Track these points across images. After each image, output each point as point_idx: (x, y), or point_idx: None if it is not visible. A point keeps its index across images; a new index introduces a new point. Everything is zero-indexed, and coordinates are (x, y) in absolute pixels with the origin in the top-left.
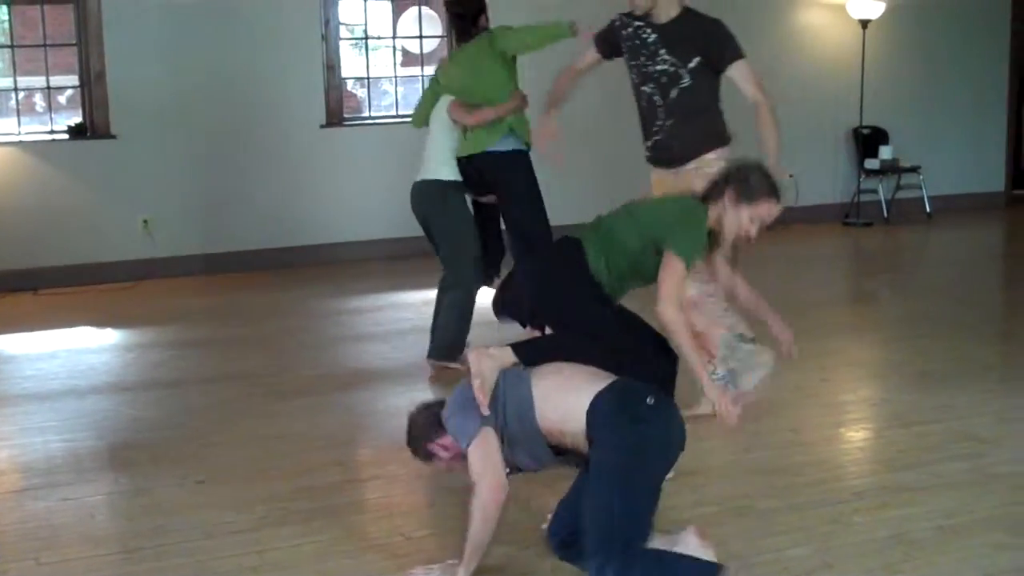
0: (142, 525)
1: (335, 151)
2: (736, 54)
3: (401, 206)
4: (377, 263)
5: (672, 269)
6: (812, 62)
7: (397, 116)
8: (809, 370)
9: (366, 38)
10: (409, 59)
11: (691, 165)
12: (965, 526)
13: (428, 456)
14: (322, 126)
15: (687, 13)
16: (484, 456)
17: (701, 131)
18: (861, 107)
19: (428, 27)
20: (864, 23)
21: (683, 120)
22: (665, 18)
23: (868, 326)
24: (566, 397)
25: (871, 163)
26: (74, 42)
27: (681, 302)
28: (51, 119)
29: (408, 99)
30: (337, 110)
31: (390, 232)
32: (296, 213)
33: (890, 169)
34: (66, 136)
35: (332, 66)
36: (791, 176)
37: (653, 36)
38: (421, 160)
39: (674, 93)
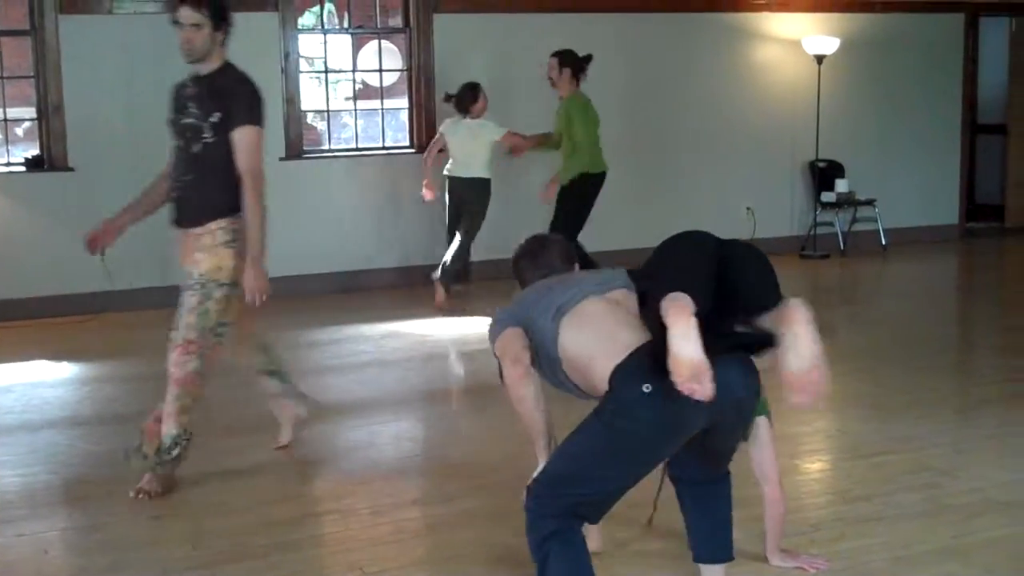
0: (97, 561)
1: (294, 184)
2: (248, 119)
3: (359, 239)
4: (335, 296)
5: None
6: (769, 97)
7: (357, 149)
8: None
9: (326, 71)
10: (368, 92)
11: (198, 230)
12: (920, 556)
13: None
14: (281, 159)
15: (225, 68)
16: (503, 342)
17: (217, 193)
18: (817, 141)
19: (387, 60)
20: (819, 58)
21: (201, 178)
22: (205, 71)
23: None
24: (589, 364)
25: (827, 196)
26: (32, 74)
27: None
28: (7, 151)
29: (368, 132)
30: (296, 143)
31: (349, 265)
32: None
33: (846, 202)
34: (23, 168)
35: (291, 99)
36: (748, 209)
37: (191, 89)
38: (457, 160)
39: (196, 148)
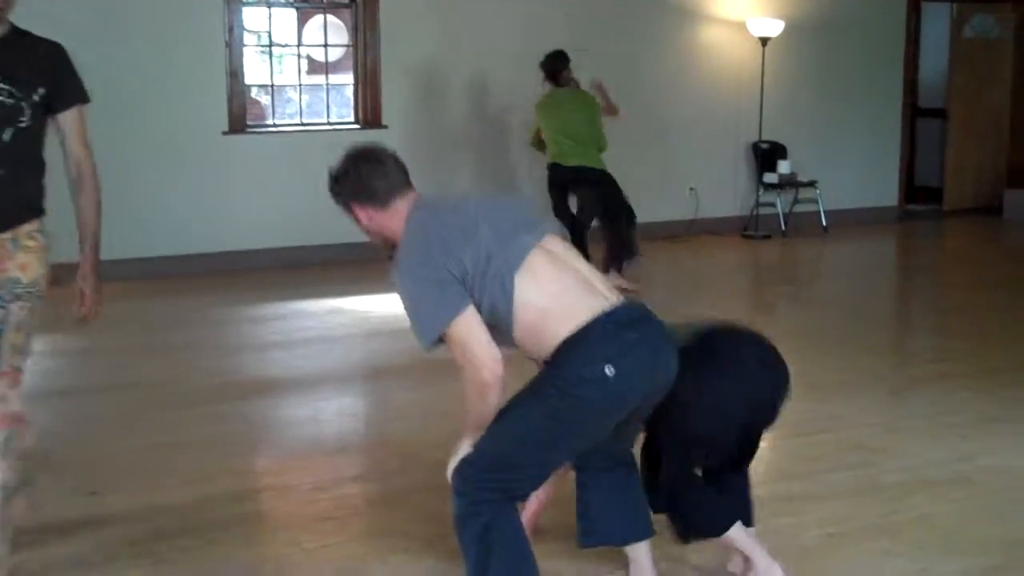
0: (31, 538)
1: (238, 158)
2: (84, 94)
3: (304, 214)
4: (279, 272)
5: None
6: (713, 78)
7: (301, 124)
8: None
9: (271, 45)
10: (314, 67)
11: (7, 235)
12: (852, 533)
13: (347, 210)
14: (224, 133)
15: (18, 29)
16: (469, 334)
17: (36, 188)
18: (760, 122)
19: (333, 36)
20: (764, 40)
21: (15, 172)
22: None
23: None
24: (546, 328)
25: (770, 177)
26: None
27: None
28: None
29: (313, 107)
30: (240, 117)
31: (292, 240)
32: (197, 220)
33: (788, 183)
34: None
35: (235, 73)
36: (692, 189)
37: None
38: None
39: (7, 135)
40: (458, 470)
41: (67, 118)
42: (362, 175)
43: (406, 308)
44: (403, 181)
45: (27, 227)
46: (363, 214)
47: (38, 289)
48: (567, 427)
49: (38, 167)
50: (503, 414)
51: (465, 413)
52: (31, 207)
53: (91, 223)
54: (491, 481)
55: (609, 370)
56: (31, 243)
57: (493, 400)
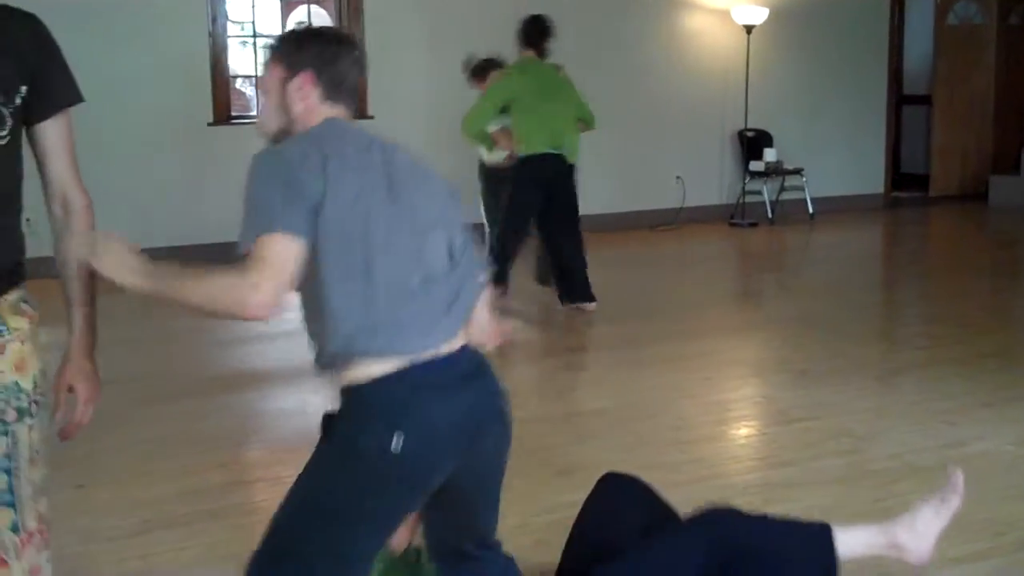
0: None
1: (222, 149)
2: (76, 93)
3: None
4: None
5: None
6: (698, 66)
7: None
8: (692, 369)
9: (254, 35)
10: None
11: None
12: (841, 520)
13: (280, 69)
14: (209, 124)
15: None
16: (277, 259)
17: (17, 234)
18: (746, 110)
19: (317, 25)
20: (748, 28)
21: None
22: None
23: (751, 325)
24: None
25: (756, 165)
26: None
27: None
28: None
29: None
30: (224, 108)
31: None
32: (182, 211)
33: (774, 171)
34: None
35: (219, 63)
36: (678, 178)
37: None
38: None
39: None
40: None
41: (51, 129)
42: (339, 55)
43: (245, 197)
44: (354, 97)
45: (12, 297)
46: (297, 84)
47: (42, 392)
48: (358, 505)
49: (17, 206)
50: (298, 487)
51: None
52: (15, 267)
53: (85, 283)
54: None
55: (396, 444)
56: (20, 322)
57: (221, 311)
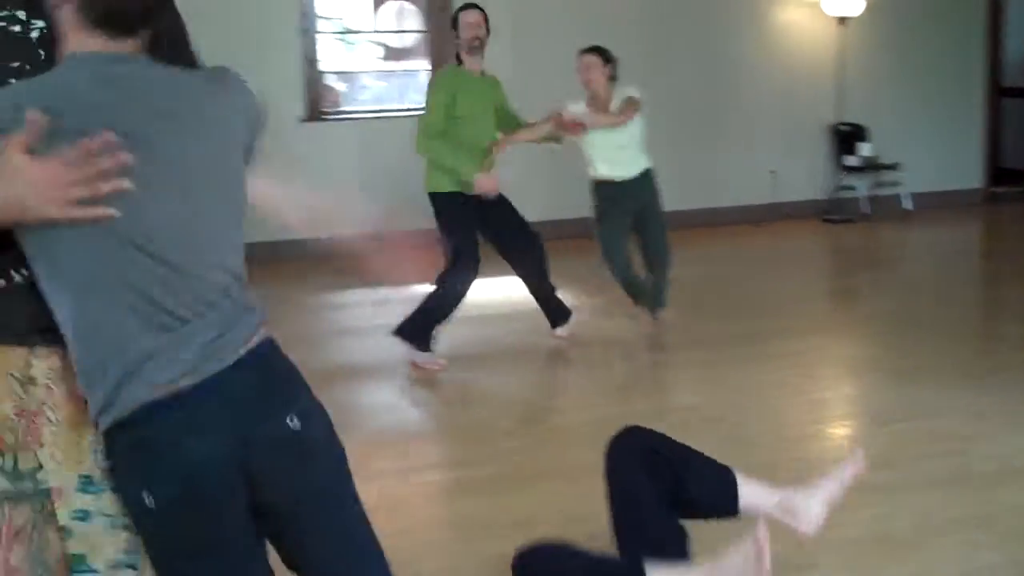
0: None
1: (314, 146)
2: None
3: (380, 201)
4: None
5: None
6: (789, 60)
7: (378, 111)
8: (789, 367)
9: (346, 32)
10: (389, 53)
11: (17, 373)
12: (945, 524)
13: None
14: (301, 120)
15: None
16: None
17: None
18: (840, 104)
19: (408, 22)
20: (842, 20)
21: None
22: None
23: (847, 323)
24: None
25: (850, 160)
26: None
27: None
28: None
29: (389, 94)
30: (316, 104)
31: (368, 227)
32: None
33: (869, 166)
34: None
35: (311, 60)
36: (772, 172)
37: None
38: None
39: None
40: None
41: None
42: None
43: None
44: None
45: (45, 359)
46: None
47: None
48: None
49: None
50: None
51: None
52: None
53: None
54: None
55: (148, 499)
56: (54, 389)
57: None
